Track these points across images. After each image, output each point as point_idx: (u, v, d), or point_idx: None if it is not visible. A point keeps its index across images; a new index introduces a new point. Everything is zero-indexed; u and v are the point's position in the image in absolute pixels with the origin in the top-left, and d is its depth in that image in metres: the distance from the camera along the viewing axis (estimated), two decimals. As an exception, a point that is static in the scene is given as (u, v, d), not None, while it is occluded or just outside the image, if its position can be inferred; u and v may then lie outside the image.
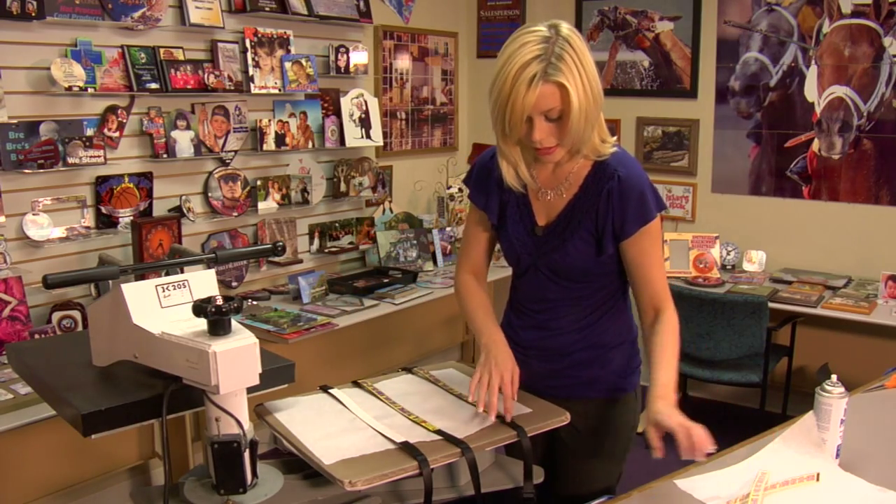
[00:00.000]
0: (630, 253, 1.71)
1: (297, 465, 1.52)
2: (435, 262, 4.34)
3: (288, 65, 3.68)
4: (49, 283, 1.44)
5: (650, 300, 1.72)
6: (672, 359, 1.67)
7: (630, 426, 1.83)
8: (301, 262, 3.98)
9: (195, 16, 3.33)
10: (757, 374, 3.62)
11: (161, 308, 1.40)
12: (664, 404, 1.53)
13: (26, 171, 2.88)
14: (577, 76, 1.52)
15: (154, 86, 3.22)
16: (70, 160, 2.97)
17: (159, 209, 3.38)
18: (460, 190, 4.53)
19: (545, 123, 1.57)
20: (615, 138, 1.75)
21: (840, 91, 3.97)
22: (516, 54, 1.53)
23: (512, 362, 1.68)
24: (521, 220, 1.79)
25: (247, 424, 1.38)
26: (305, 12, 3.74)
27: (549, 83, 1.52)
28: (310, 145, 3.87)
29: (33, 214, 2.97)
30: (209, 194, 3.55)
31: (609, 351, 1.79)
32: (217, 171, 3.57)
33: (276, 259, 3.85)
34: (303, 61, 3.75)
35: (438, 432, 1.55)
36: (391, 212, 4.41)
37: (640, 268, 1.71)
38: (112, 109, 3.16)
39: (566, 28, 1.56)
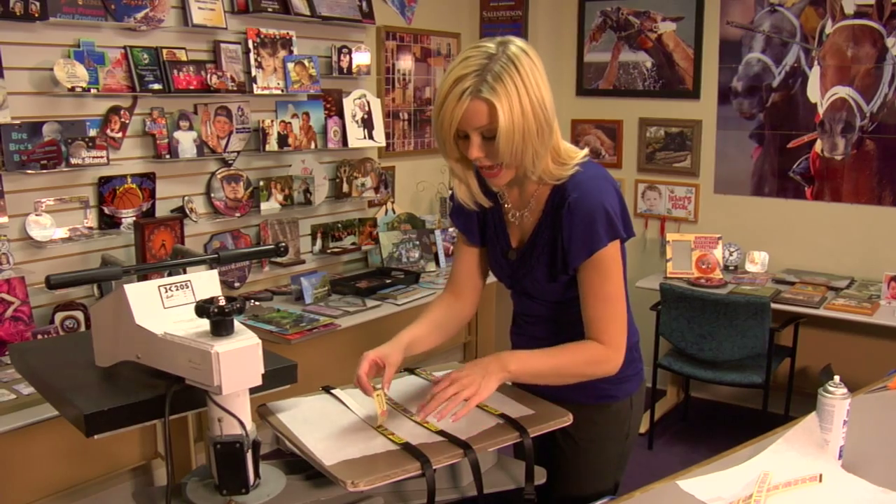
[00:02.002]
0: (579, 282, 1.65)
1: (300, 465, 1.52)
2: (437, 263, 4.34)
3: (290, 65, 3.69)
4: (52, 283, 1.44)
5: (588, 335, 1.65)
6: (551, 356, 1.64)
7: (622, 434, 1.81)
8: (303, 262, 3.98)
9: (198, 16, 3.33)
10: (759, 375, 3.62)
11: (164, 309, 1.41)
12: (486, 364, 1.57)
13: (29, 171, 2.88)
14: (512, 96, 1.48)
15: (157, 86, 3.22)
16: (73, 161, 2.97)
17: (162, 210, 3.38)
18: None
19: (481, 141, 1.54)
20: (585, 154, 1.67)
21: (843, 92, 3.97)
22: (456, 68, 1.51)
23: (385, 350, 1.66)
24: (497, 243, 1.79)
25: (249, 425, 1.38)
26: (308, 13, 3.74)
27: (477, 100, 1.49)
28: (312, 146, 3.87)
29: (36, 215, 2.97)
30: (212, 195, 3.55)
31: None
32: (219, 171, 3.57)
33: (279, 260, 3.85)
34: (305, 62, 3.75)
35: (441, 433, 1.55)
36: (393, 212, 4.41)
37: (583, 301, 1.65)
38: (115, 110, 3.16)
39: (516, 47, 1.51)
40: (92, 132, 3.08)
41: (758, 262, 4.21)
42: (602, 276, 1.62)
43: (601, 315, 1.63)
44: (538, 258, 1.70)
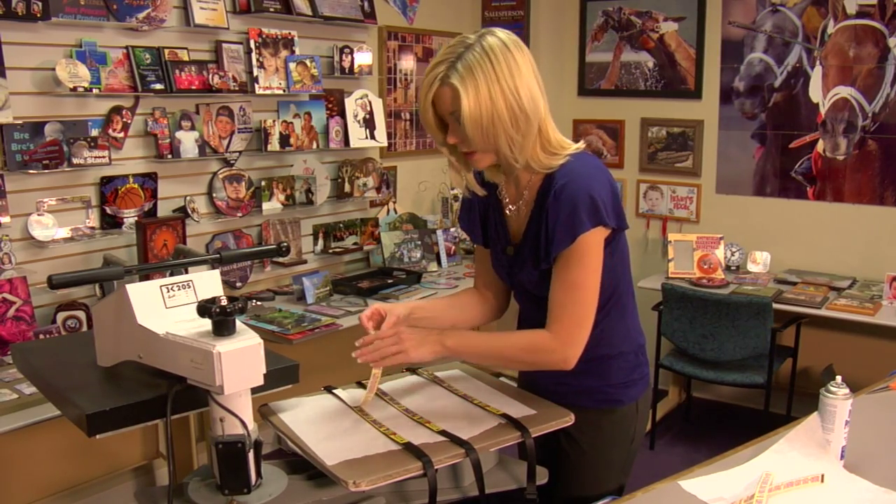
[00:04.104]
0: (553, 268, 1.63)
1: (302, 465, 1.53)
2: (439, 263, 4.34)
3: (292, 65, 3.69)
4: (54, 283, 1.44)
5: (547, 316, 1.64)
6: (491, 338, 1.68)
7: (627, 439, 1.79)
8: (305, 262, 3.98)
9: (200, 16, 3.33)
10: (761, 376, 3.61)
11: (166, 308, 1.41)
12: (426, 332, 1.62)
13: (31, 171, 2.88)
14: (479, 83, 1.51)
15: (159, 86, 3.22)
16: (75, 161, 2.97)
17: (164, 210, 3.38)
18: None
19: (456, 127, 1.58)
20: (578, 146, 1.66)
21: (845, 92, 3.96)
22: (436, 57, 1.58)
23: (390, 304, 1.73)
24: (498, 240, 1.80)
25: (251, 425, 1.38)
26: (310, 13, 3.74)
27: (445, 85, 1.54)
28: (314, 146, 3.87)
29: (38, 215, 2.97)
30: (213, 195, 3.55)
31: (606, 362, 1.74)
32: (221, 171, 3.57)
33: (281, 260, 3.85)
34: (307, 62, 3.75)
35: (442, 433, 1.55)
36: (395, 212, 4.41)
37: (552, 283, 1.63)
38: (117, 110, 3.16)
39: (494, 37, 1.55)
40: (94, 132, 3.08)
41: (759, 262, 4.21)
42: (574, 262, 1.60)
43: (559, 301, 1.61)
44: (530, 249, 1.70)
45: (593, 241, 1.59)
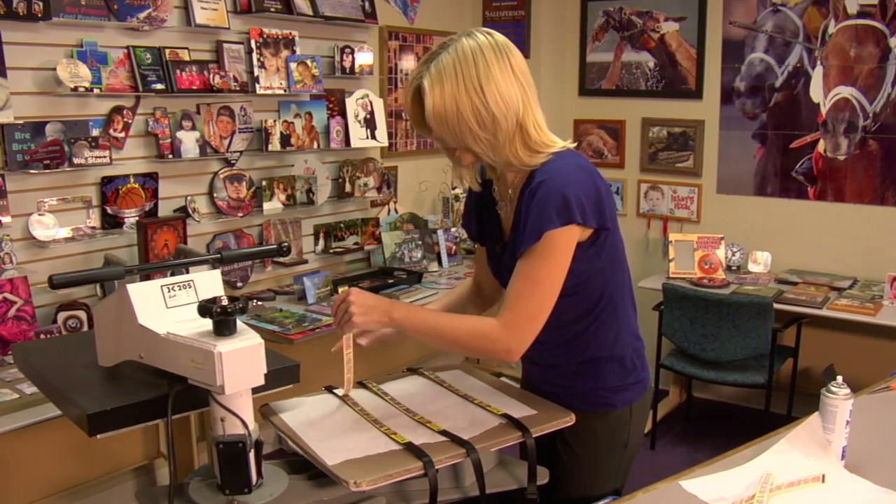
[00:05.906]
0: (518, 259, 1.60)
1: (302, 465, 1.53)
2: (440, 263, 4.34)
3: (293, 65, 3.69)
4: (55, 283, 1.44)
5: (501, 306, 1.62)
6: (438, 316, 1.68)
7: (621, 443, 1.78)
8: (306, 262, 3.98)
9: (200, 16, 3.33)
10: (762, 376, 3.61)
11: (166, 308, 1.41)
12: (377, 299, 1.62)
13: (32, 171, 2.89)
14: (444, 84, 1.53)
15: (159, 86, 3.23)
16: (76, 160, 2.97)
17: (164, 209, 3.38)
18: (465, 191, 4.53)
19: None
20: (564, 144, 1.64)
21: (846, 92, 3.96)
22: (423, 57, 1.61)
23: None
24: (491, 238, 1.80)
25: (252, 425, 1.38)
26: (311, 13, 3.74)
27: (420, 85, 1.58)
28: (315, 146, 3.87)
29: (39, 215, 2.97)
30: (214, 195, 3.56)
31: (599, 365, 1.73)
32: (222, 171, 3.57)
33: (282, 259, 3.85)
34: (308, 62, 3.75)
35: (443, 433, 1.55)
36: (396, 212, 4.41)
37: (513, 274, 1.60)
38: (117, 110, 3.16)
39: (470, 40, 1.56)
40: (95, 132, 3.08)
41: (760, 262, 4.21)
42: (537, 257, 1.56)
43: (515, 293, 1.58)
44: (511, 248, 1.69)
45: (561, 238, 1.55)
